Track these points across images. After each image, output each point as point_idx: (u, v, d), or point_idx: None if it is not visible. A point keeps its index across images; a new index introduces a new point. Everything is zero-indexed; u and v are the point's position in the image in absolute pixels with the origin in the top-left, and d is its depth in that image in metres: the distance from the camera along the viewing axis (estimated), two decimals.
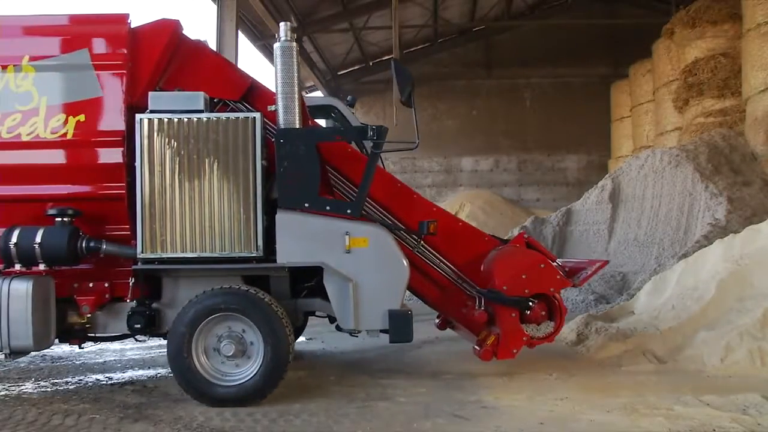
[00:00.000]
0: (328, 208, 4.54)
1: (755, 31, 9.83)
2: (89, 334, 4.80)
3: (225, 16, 11.80)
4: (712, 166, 9.37)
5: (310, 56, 18.57)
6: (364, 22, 18.22)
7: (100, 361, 6.18)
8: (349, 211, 4.52)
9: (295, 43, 4.61)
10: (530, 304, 4.71)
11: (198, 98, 4.52)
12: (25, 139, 4.58)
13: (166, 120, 4.42)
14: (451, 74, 20.48)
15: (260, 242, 4.43)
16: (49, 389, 5.01)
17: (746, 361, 4.99)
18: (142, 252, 4.41)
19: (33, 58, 4.64)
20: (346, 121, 6.23)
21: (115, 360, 6.18)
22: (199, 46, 5.13)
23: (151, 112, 4.47)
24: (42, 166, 4.64)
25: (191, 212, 4.42)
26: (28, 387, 5.09)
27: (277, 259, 4.45)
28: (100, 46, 4.69)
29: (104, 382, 5.23)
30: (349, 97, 6.65)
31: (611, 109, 17.61)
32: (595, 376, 5.06)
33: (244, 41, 15.63)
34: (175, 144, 4.42)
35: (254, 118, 4.47)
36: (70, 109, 4.60)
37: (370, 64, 21.12)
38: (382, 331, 4.53)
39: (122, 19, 4.78)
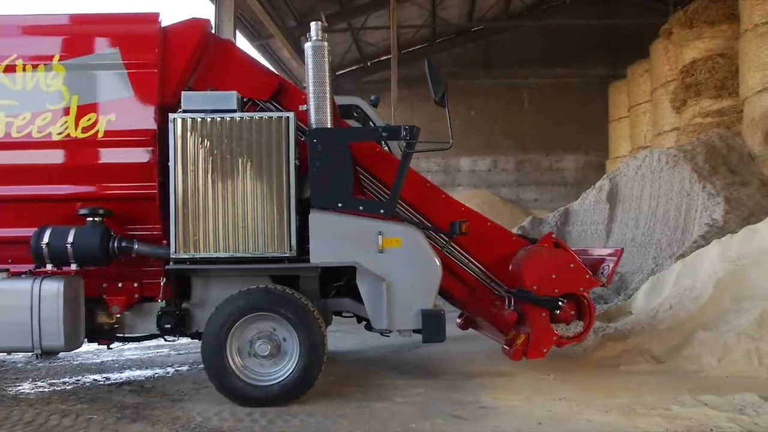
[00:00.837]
0: (361, 208, 4.54)
1: (752, 31, 9.84)
2: (117, 334, 4.81)
3: (223, 16, 11.80)
4: (710, 167, 9.38)
5: None
6: (362, 22, 18.24)
7: (98, 361, 6.18)
8: (382, 211, 4.52)
9: (326, 43, 4.61)
10: (560, 303, 4.69)
11: (231, 98, 4.50)
12: (55, 138, 4.59)
13: (199, 119, 4.42)
14: (450, 74, 20.41)
15: (293, 242, 4.42)
16: (46, 389, 5.00)
17: (743, 361, 5.00)
18: (175, 252, 4.40)
19: (63, 57, 4.64)
20: (369, 120, 6.22)
21: (112, 360, 6.18)
22: (228, 46, 5.16)
23: (184, 111, 4.47)
24: (73, 165, 4.64)
25: (224, 212, 4.41)
26: (26, 387, 5.08)
27: (310, 259, 4.45)
28: (130, 45, 4.69)
29: (102, 383, 5.23)
30: (372, 97, 6.67)
31: (609, 109, 17.64)
32: (593, 376, 5.07)
33: (242, 41, 15.63)
34: (209, 143, 4.41)
35: (288, 117, 4.47)
36: (101, 108, 4.60)
37: (368, 64, 21.13)
38: (414, 331, 4.51)
39: (153, 18, 4.79)
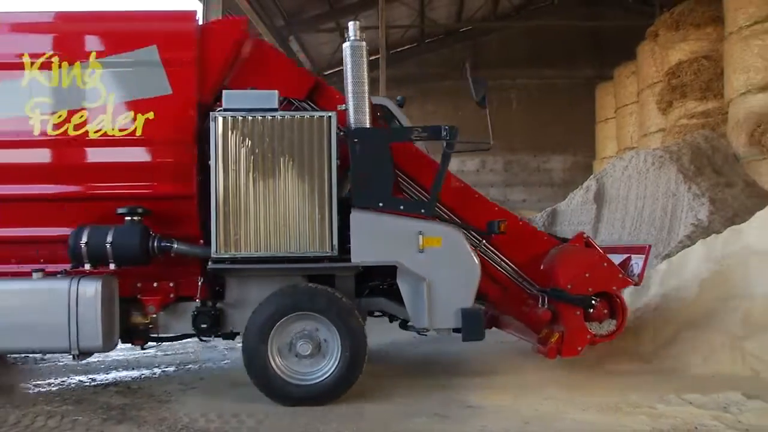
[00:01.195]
0: (401, 207, 4.56)
1: (737, 34, 9.96)
2: (151, 335, 4.79)
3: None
4: (695, 168, 9.48)
5: (296, 55, 18.52)
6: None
7: (83, 362, 6.12)
8: (422, 211, 4.54)
9: (365, 43, 4.63)
10: (593, 302, 4.69)
11: (273, 97, 4.47)
12: (92, 136, 4.53)
13: (240, 118, 4.38)
14: (438, 75, 20.49)
15: (335, 241, 4.41)
16: (31, 390, 4.95)
17: (728, 360, 5.05)
18: (216, 251, 4.36)
19: (100, 55, 4.59)
20: (395, 120, 6.25)
21: (98, 361, 6.12)
22: (264, 45, 5.14)
23: (225, 110, 4.43)
24: (110, 164, 4.60)
25: (265, 211, 4.38)
26: (12, 388, 5.02)
27: (351, 258, 4.44)
28: (169, 43, 4.63)
29: (87, 384, 5.19)
30: (398, 97, 6.69)
31: (596, 110, 17.77)
32: (580, 375, 5.10)
33: None
34: (250, 142, 4.38)
35: (330, 117, 4.45)
36: (139, 106, 4.55)
37: None
38: (454, 330, 4.53)
39: (191, 16, 4.77)
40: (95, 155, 4.59)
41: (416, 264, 4.43)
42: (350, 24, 4.67)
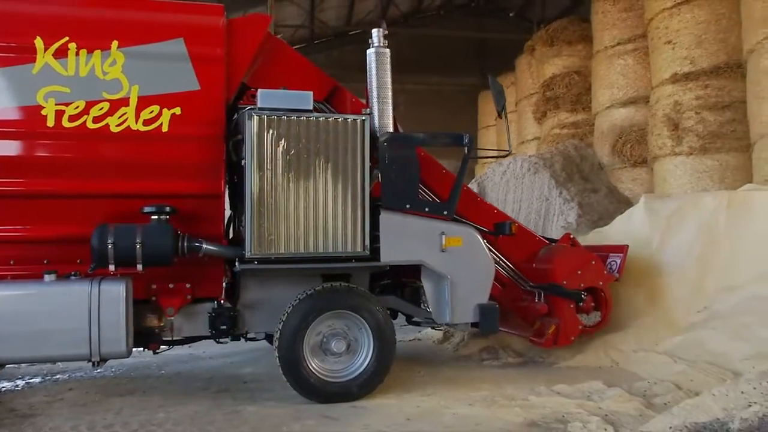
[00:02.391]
0: (426, 209, 4.75)
1: (603, 53, 10.82)
2: (165, 338, 4.62)
3: None
4: (566, 174, 10.18)
5: None
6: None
7: None
8: (445, 213, 4.77)
9: (389, 50, 4.85)
10: (583, 296, 5.19)
11: (308, 98, 4.47)
12: (114, 130, 4.24)
13: (276, 118, 4.33)
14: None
15: (367, 241, 4.50)
16: None
17: (592, 353, 5.48)
18: (250, 251, 4.27)
19: (123, 44, 4.28)
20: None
21: None
22: (283, 44, 5.06)
23: (260, 109, 4.33)
24: (134, 160, 4.32)
25: (300, 211, 4.39)
26: None
27: (381, 258, 4.54)
28: (196, 37, 4.44)
29: None
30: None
31: (479, 117, 18.56)
32: (460, 371, 5.32)
33: None
34: (286, 143, 4.35)
35: (363, 120, 4.52)
36: (165, 100, 4.33)
37: None
38: (472, 324, 4.78)
39: (219, 10, 4.55)
40: (118, 150, 4.36)
41: (439, 263, 4.67)
42: (374, 31, 4.86)
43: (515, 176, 10.57)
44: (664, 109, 8.85)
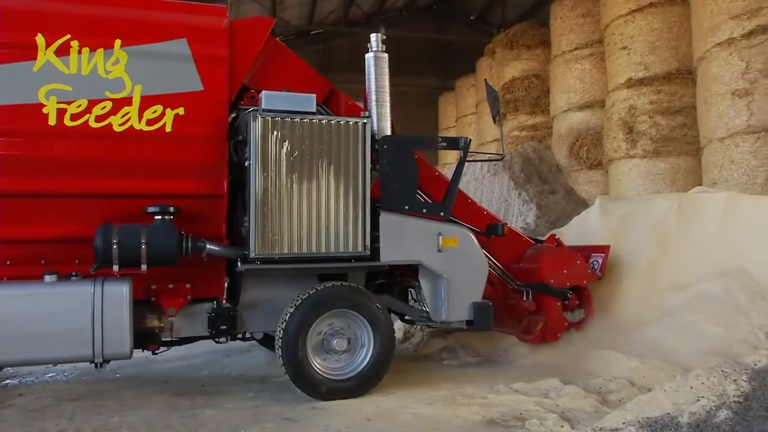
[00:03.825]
0: (424, 210, 4.85)
1: (560, 57, 11.05)
2: (164, 339, 4.60)
3: None
4: (525, 176, 10.36)
5: None
6: None
7: None
8: (442, 214, 4.87)
9: (387, 54, 4.97)
10: (568, 294, 5.39)
11: (311, 100, 4.54)
12: (117, 129, 4.19)
13: (280, 120, 4.36)
14: None
15: (368, 241, 4.57)
16: None
17: (548, 351, 5.57)
18: (255, 251, 4.29)
19: (126, 43, 4.22)
20: None
21: None
22: (282, 46, 5.02)
23: (264, 111, 4.37)
24: (137, 159, 4.26)
25: (302, 212, 4.42)
26: None
27: (381, 258, 4.62)
28: (200, 37, 4.42)
29: None
30: None
31: (439, 119, 18.70)
32: (420, 371, 5.35)
33: None
34: (289, 144, 4.38)
35: (364, 123, 4.60)
36: (168, 100, 4.30)
37: None
38: (467, 322, 4.89)
39: (222, 11, 4.52)
40: (121, 150, 4.29)
41: (436, 262, 4.77)
42: (372, 36, 4.96)
43: (475, 178, 10.70)
44: (619, 113, 9.08)
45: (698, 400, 3.18)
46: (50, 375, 5.50)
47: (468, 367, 5.48)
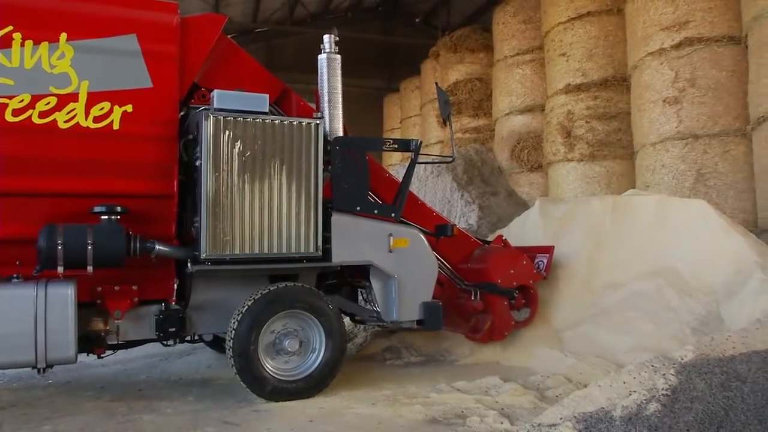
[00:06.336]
0: (376, 211, 4.88)
1: (502, 62, 11.29)
2: (110, 342, 4.45)
3: None
4: (467, 177, 10.52)
5: None
6: None
7: None
8: (393, 215, 4.93)
9: (339, 56, 5.01)
10: (515, 294, 5.47)
11: (264, 100, 4.50)
12: (62, 126, 3.98)
13: (232, 119, 4.31)
14: None
15: (320, 242, 4.56)
16: None
17: (489, 349, 5.69)
18: (206, 252, 4.21)
19: (72, 36, 3.99)
20: None
21: None
22: (234, 46, 4.90)
23: (216, 110, 4.30)
24: (83, 157, 4.05)
25: (254, 212, 4.37)
26: None
27: (332, 258, 4.63)
28: (149, 33, 4.26)
29: None
30: None
31: (384, 120, 18.78)
32: (363, 371, 5.36)
33: None
34: (242, 144, 4.32)
35: (317, 124, 4.58)
36: (116, 97, 4.12)
37: None
38: (417, 322, 4.94)
39: (173, 8, 4.37)
40: (66, 147, 4.08)
41: (387, 263, 4.82)
42: (326, 37, 4.99)
43: (419, 179, 10.79)
44: (557, 118, 9.36)
45: (630, 394, 3.31)
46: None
47: (411, 367, 5.53)
